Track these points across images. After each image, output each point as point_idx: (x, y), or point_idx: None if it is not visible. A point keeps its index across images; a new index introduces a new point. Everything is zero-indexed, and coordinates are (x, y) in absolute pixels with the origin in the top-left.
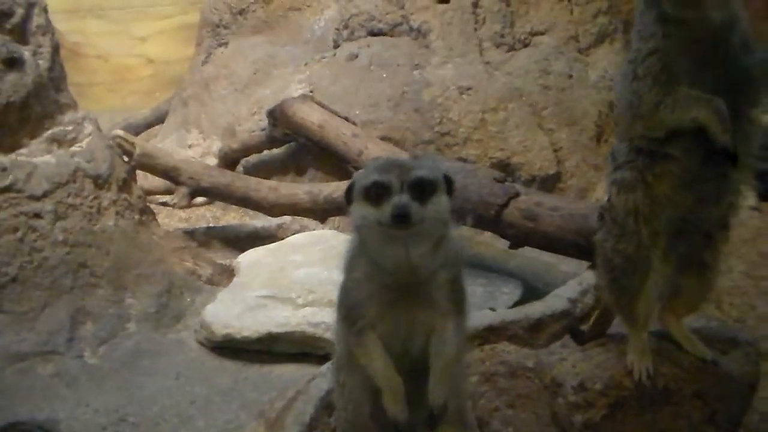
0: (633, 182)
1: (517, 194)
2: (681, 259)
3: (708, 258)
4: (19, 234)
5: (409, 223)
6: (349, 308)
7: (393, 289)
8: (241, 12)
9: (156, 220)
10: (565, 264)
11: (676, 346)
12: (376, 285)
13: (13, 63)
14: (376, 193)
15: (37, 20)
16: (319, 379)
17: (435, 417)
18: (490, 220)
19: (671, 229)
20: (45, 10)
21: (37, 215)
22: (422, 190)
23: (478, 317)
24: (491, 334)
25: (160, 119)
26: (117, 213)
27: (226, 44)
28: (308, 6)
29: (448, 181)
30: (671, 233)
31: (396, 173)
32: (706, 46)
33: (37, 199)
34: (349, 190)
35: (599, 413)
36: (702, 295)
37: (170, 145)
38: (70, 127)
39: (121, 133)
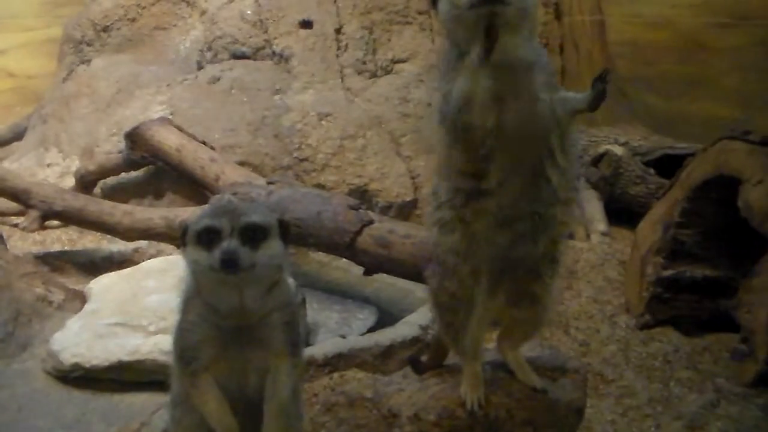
0: (452, 222)
1: (371, 222)
2: (510, 293)
3: (538, 290)
4: None
5: (238, 269)
6: (183, 349)
7: (227, 331)
8: (105, 29)
9: (4, 243)
10: (421, 290)
11: (510, 375)
12: (211, 327)
13: None
14: (207, 238)
15: None
16: (163, 410)
17: None
18: (345, 246)
19: (494, 267)
20: None
21: None
22: (253, 235)
23: (329, 344)
24: (341, 361)
25: (18, 136)
26: None
27: (88, 61)
28: (174, 26)
29: (284, 226)
30: (495, 270)
31: (227, 218)
32: (508, 84)
33: None
34: (183, 234)
35: None
36: (534, 326)
37: (28, 163)
38: None
39: None
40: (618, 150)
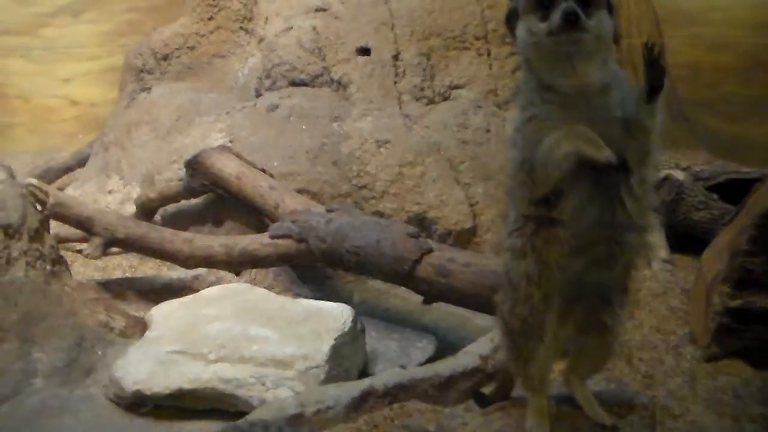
0: (523, 249)
1: (430, 250)
2: (580, 322)
3: (607, 320)
4: None
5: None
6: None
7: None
8: (166, 57)
9: (69, 270)
10: (480, 318)
11: (576, 410)
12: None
13: None
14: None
15: None
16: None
17: None
18: (404, 275)
19: (567, 294)
20: None
21: None
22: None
23: (389, 375)
24: (401, 391)
25: (81, 163)
26: (27, 264)
27: (149, 89)
28: (233, 53)
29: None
30: (567, 297)
31: None
32: (584, 110)
33: None
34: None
35: None
36: (603, 357)
37: (90, 190)
38: None
39: (34, 181)
40: (679, 175)
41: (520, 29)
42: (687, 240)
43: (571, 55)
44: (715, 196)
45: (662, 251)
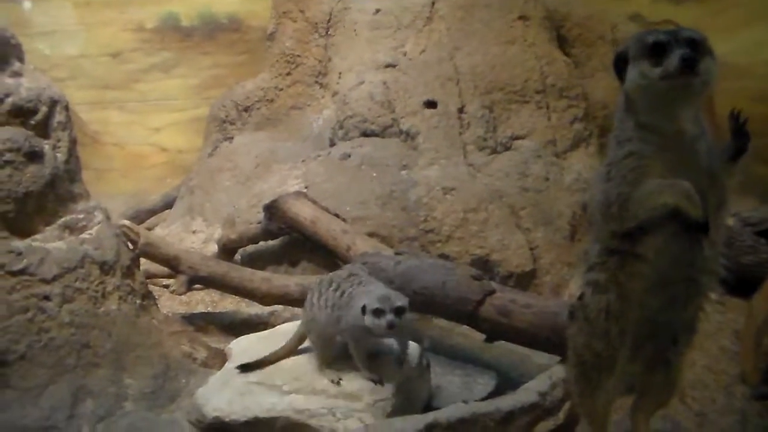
0: (606, 283)
1: (493, 291)
2: (648, 359)
3: (672, 358)
4: (29, 314)
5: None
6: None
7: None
8: (247, 109)
9: (156, 304)
10: (539, 356)
11: None
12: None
13: (34, 156)
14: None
15: (58, 117)
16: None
17: None
18: (468, 315)
19: (641, 331)
20: (66, 108)
21: (47, 297)
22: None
23: (452, 409)
24: (463, 425)
25: (168, 205)
26: (120, 297)
27: (231, 138)
28: (309, 105)
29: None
30: (641, 335)
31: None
32: (677, 154)
33: (48, 282)
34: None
35: None
36: (667, 393)
37: (176, 230)
38: (82, 216)
39: (127, 222)
40: (729, 220)
41: (631, 72)
42: (738, 283)
43: (678, 100)
44: (763, 241)
45: (713, 293)
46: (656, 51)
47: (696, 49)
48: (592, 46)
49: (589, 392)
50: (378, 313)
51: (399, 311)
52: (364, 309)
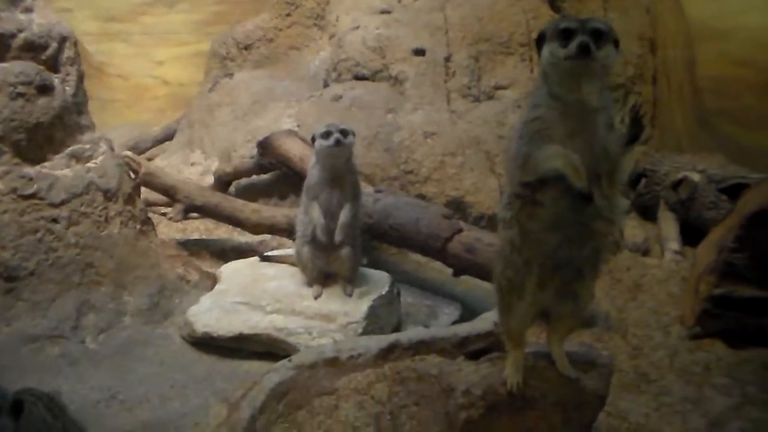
0: (510, 221)
1: (461, 230)
2: (557, 290)
3: (578, 288)
4: (38, 235)
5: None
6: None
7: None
8: (247, 47)
9: (155, 230)
10: None
11: (548, 364)
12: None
13: (45, 89)
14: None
15: (67, 52)
16: (272, 373)
17: None
18: (437, 250)
19: (545, 262)
20: (75, 44)
21: (55, 220)
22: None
23: (414, 332)
24: (423, 346)
25: (169, 137)
26: (121, 222)
27: (231, 75)
28: (306, 46)
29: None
30: (546, 266)
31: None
32: (578, 121)
33: (56, 206)
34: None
35: (478, 412)
36: (574, 321)
37: (176, 161)
38: (88, 146)
39: (129, 153)
40: (695, 176)
41: (545, 50)
42: (700, 235)
43: (580, 76)
44: (725, 198)
45: (674, 243)
46: (565, 35)
47: (599, 37)
48: (582, 2)
49: (506, 312)
50: (326, 135)
51: (343, 132)
52: (313, 138)
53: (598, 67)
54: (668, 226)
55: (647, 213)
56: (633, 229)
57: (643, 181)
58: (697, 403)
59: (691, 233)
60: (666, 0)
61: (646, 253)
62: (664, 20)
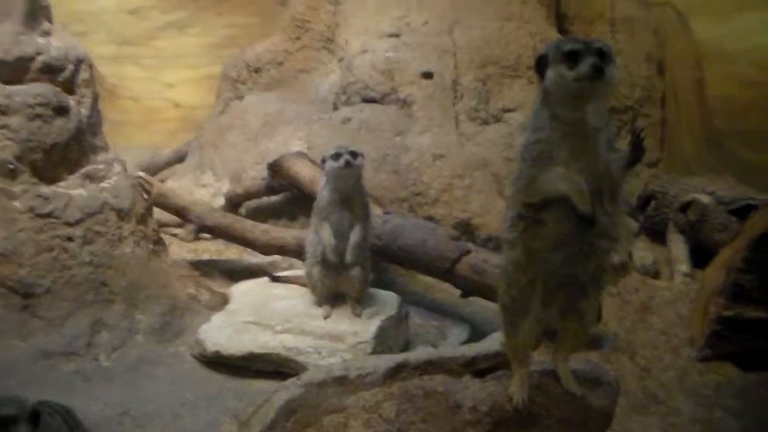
0: (515, 241)
1: (469, 251)
2: (561, 308)
3: (583, 306)
4: (54, 253)
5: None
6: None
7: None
8: (257, 70)
9: (166, 250)
10: None
11: (554, 381)
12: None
13: (61, 111)
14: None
15: (83, 74)
16: (281, 391)
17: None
18: (445, 271)
19: (549, 281)
20: (90, 66)
21: (70, 239)
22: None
23: (422, 352)
24: (430, 366)
25: (180, 159)
26: (134, 242)
27: (242, 97)
28: (316, 69)
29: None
30: (550, 284)
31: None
32: (580, 141)
33: (71, 225)
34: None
35: (484, 429)
36: (579, 338)
37: (187, 183)
38: (102, 166)
39: (142, 174)
40: (704, 198)
41: (551, 72)
42: (711, 257)
43: (586, 97)
44: (734, 219)
45: (683, 265)
46: (571, 57)
47: (603, 57)
48: (590, 24)
49: (510, 331)
50: (336, 156)
51: (353, 154)
52: (323, 160)
53: (606, 86)
54: (678, 248)
55: (657, 235)
56: (642, 252)
57: (653, 203)
58: (707, 424)
59: (701, 255)
60: (674, 22)
61: (655, 275)
62: (672, 42)
